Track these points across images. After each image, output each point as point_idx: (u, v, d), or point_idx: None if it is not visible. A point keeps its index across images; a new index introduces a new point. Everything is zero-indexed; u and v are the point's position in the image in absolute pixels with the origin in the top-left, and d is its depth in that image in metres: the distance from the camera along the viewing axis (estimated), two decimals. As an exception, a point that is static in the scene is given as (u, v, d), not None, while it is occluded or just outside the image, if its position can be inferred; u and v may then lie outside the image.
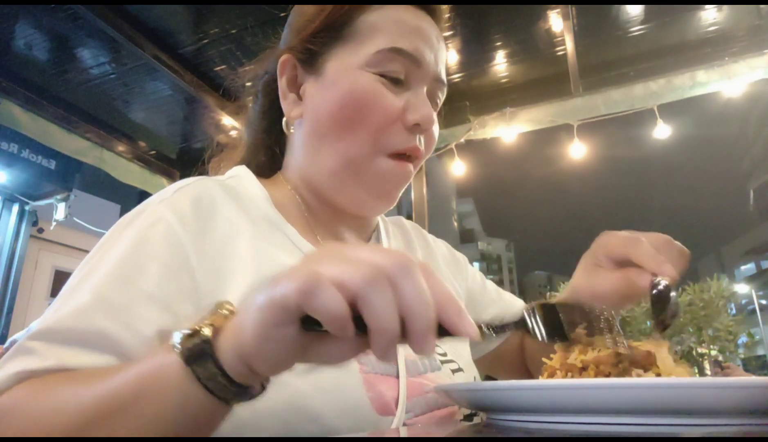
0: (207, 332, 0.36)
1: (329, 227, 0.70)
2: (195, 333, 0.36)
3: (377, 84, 0.62)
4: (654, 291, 0.52)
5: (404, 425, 0.57)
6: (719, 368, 2.19)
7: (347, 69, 0.63)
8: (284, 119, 0.68)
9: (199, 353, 0.36)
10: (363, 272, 0.32)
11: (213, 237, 0.56)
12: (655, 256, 0.56)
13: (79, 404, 0.38)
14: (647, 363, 0.45)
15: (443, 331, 0.34)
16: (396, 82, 0.63)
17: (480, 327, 0.38)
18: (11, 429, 0.39)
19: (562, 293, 0.72)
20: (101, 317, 0.46)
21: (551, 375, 0.47)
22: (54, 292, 4.78)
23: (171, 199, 0.56)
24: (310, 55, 0.66)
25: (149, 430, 0.36)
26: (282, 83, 0.68)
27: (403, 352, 0.61)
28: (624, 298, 0.60)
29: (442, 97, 0.70)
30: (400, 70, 0.63)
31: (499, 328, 0.41)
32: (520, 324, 0.43)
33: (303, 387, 0.49)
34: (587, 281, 0.63)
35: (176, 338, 0.37)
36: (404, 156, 0.65)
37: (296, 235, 0.63)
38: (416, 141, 0.64)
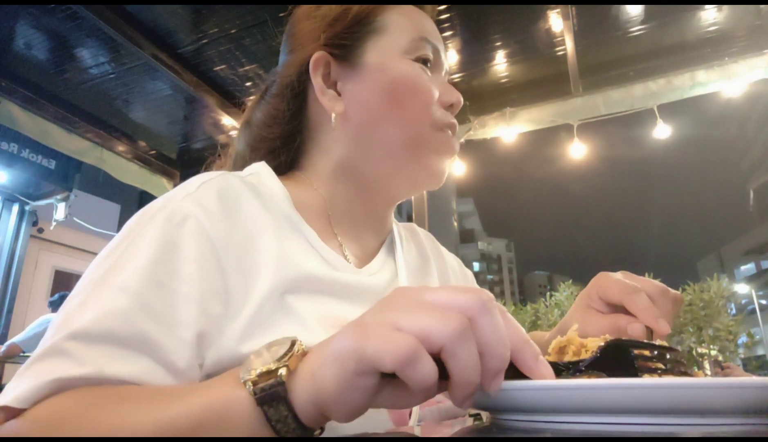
0: (282, 372, 0.36)
1: (351, 226, 0.71)
2: (270, 373, 0.36)
3: (418, 69, 0.67)
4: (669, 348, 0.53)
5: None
6: (719, 368, 2.19)
7: (389, 58, 0.67)
8: (332, 116, 0.68)
9: (272, 395, 0.35)
10: (451, 325, 0.32)
11: (239, 233, 0.55)
12: (651, 309, 0.56)
13: (137, 430, 0.37)
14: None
15: (515, 373, 0.35)
16: (428, 67, 0.69)
17: (555, 367, 0.38)
18: None
19: (555, 328, 0.72)
20: (142, 321, 0.44)
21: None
22: (54, 292, 4.78)
23: (196, 194, 0.55)
24: (345, 50, 0.68)
25: None
26: (318, 81, 0.68)
27: None
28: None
29: None
30: (431, 55, 0.69)
31: (574, 369, 0.41)
32: (595, 365, 0.42)
33: None
34: (579, 321, 0.64)
35: (247, 374, 0.36)
36: (448, 129, 0.70)
37: (315, 237, 0.63)
38: (453, 118, 0.70)
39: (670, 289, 0.60)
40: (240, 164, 0.74)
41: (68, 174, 4.39)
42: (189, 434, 0.36)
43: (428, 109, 0.66)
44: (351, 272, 0.65)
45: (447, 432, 0.47)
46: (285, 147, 0.74)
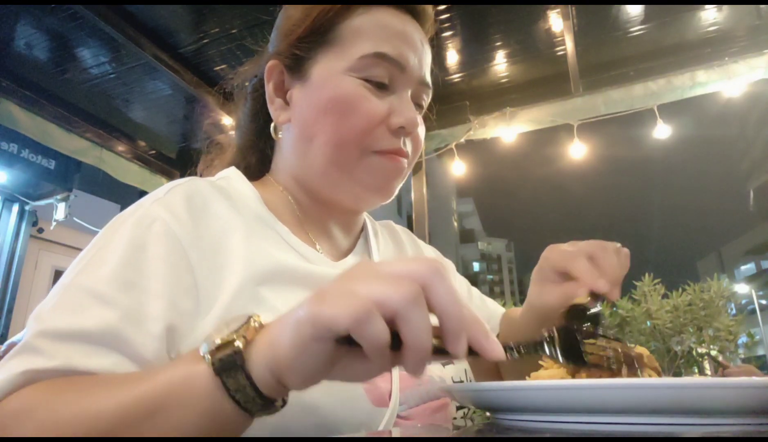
0: (239, 343, 0.37)
1: (320, 225, 0.71)
2: (227, 344, 0.37)
3: (361, 88, 0.63)
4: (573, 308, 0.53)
5: (398, 416, 0.57)
6: (721, 368, 2.19)
7: (332, 74, 0.64)
8: (272, 124, 0.69)
9: (230, 364, 0.36)
10: (404, 291, 0.33)
11: (208, 234, 0.56)
12: (589, 271, 0.58)
13: (102, 410, 0.38)
14: (638, 364, 0.46)
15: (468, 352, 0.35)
16: (380, 87, 0.64)
17: (505, 349, 0.39)
18: (28, 433, 0.38)
19: (524, 305, 0.73)
20: (110, 318, 0.45)
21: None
22: (54, 292, 4.77)
23: (164, 199, 0.57)
24: (297, 61, 0.67)
25: (173, 436, 0.37)
26: (269, 89, 0.69)
27: None
28: (616, 337, 0.63)
29: (427, 99, 0.71)
30: (384, 74, 0.64)
31: (522, 349, 0.42)
32: (541, 347, 0.44)
33: None
34: (537, 294, 0.66)
35: (205, 347, 0.37)
36: (392, 154, 0.66)
37: (288, 233, 0.64)
38: (401, 143, 0.65)
39: (609, 243, 0.62)
40: (233, 162, 0.76)
41: (68, 174, 4.39)
42: (153, 410, 0.37)
43: (363, 133, 0.62)
44: (326, 264, 0.66)
45: (442, 432, 0.47)
46: (252, 147, 0.75)
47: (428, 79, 0.69)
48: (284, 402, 0.39)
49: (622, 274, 0.60)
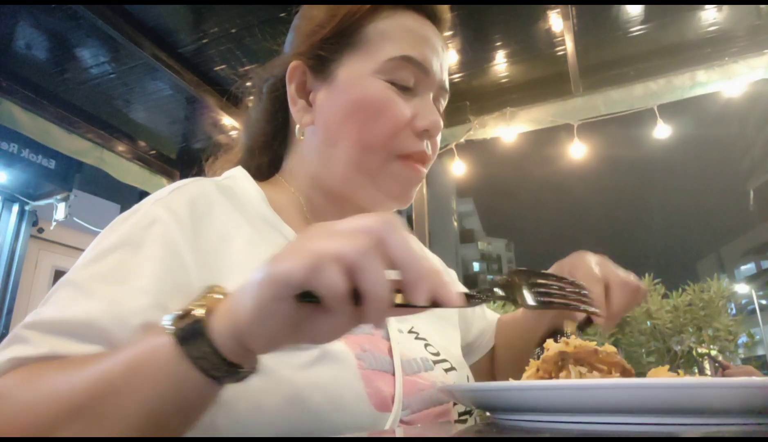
0: (199, 312, 0.37)
1: None
2: (187, 313, 0.38)
3: (388, 91, 0.63)
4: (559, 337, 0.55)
5: (401, 421, 0.57)
6: (721, 368, 2.19)
7: (359, 76, 0.64)
8: (296, 126, 0.68)
9: (191, 333, 0.37)
10: (357, 243, 0.33)
11: (208, 237, 0.56)
12: (599, 299, 0.61)
13: (71, 386, 0.39)
14: (594, 361, 0.46)
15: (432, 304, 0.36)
16: (405, 90, 0.64)
17: (466, 295, 0.39)
18: (5, 413, 0.39)
19: None
20: (92, 309, 0.46)
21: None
22: (54, 292, 4.77)
23: (166, 200, 0.57)
24: (321, 62, 0.66)
25: (141, 411, 0.37)
26: (291, 90, 0.68)
27: (399, 349, 0.62)
28: (564, 319, 0.67)
29: (444, 103, 0.72)
30: (409, 77, 0.64)
31: (481, 294, 0.42)
32: (501, 290, 0.44)
33: (302, 383, 0.50)
34: None
35: (167, 319, 0.38)
36: (413, 158, 0.66)
37: (293, 234, 0.64)
38: (424, 146, 0.66)
39: (633, 281, 0.64)
40: (241, 161, 0.76)
41: (68, 174, 4.39)
42: (121, 384, 0.38)
43: (389, 136, 0.63)
44: None
45: (443, 432, 0.47)
46: (266, 148, 0.75)
47: (447, 84, 0.70)
48: (253, 368, 0.39)
49: (627, 311, 0.63)
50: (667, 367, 0.47)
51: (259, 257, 0.57)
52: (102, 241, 0.54)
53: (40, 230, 4.69)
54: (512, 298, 0.44)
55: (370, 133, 0.63)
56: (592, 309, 0.51)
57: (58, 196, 4.39)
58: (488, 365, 0.91)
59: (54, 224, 4.41)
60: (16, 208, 4.48)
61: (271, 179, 0.73)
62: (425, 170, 0.68)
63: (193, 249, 0.54)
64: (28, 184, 4.30)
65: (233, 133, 3.58)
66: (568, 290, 0.48)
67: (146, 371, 0.37)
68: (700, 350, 2.30)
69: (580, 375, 0.46)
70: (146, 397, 0.37)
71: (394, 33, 0.64)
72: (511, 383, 0.40)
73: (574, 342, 0.47)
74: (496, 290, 0.44)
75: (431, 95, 0.67)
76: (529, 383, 0.41)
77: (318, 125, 0.66)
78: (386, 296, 0.34)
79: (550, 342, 0.49)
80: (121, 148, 3.67)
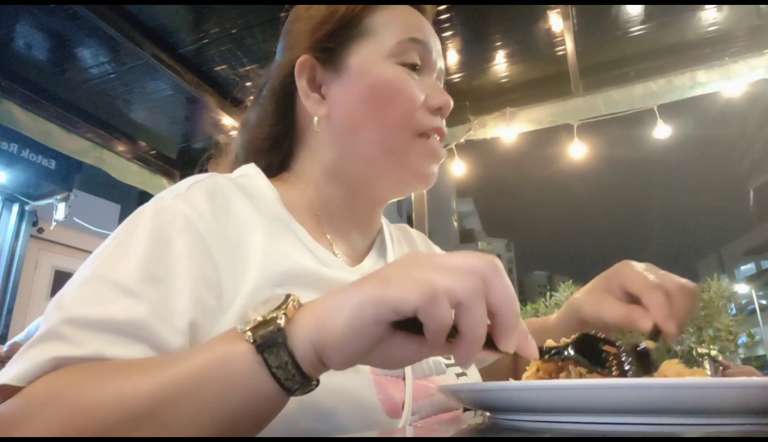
0: (281, 321, 0.37)
1: (340, 225, 0.71)
2: (268, 321, 0.37)
3: (402, 72, 0.65)
4: (638, 348, 0.55)
5: (409, 426, 0.57)
6: (721, 368, 2.20)
7: (372, 61, 0.66)
8: (315, 119, 0.68)
9: (272, 341, 0.36)
10: (469, 283, 0.34)
11: (229, 232, 0.56)
12: (664, 307, 0.59)
13: (137, 391, 0.36)
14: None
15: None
16: (413, 71, 0.67)
17: (540, 351, 0.42)
18: (57, 418, 0.36)
19: (563, 307, 0.74)
20: (138, 309, 0.44)
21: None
22: (54, 292, 4.78)
23: (186, 195, 0.56)
24: (330, 53, 0.67)
25: (212, 416, 0.36)
26: (302, 84, 0.68)
27: None
28: (620, 331, 0.64)
29: (442, 86, 0.74)
30: (417, 58, 0.67)
31: (553, 353, 0.45)
32: (570, 353, 0.47)
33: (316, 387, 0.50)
34: (593, 303, 0.67)
35: (245, 325, 0.37)
36: (434, 133, 0.68)
37: (305, 235, 0.64)
38: (441, 122, 0.69)
39: (690, 285, 0.62)
40: (235, 164, 0.75)
41: (68, 174, 4.39)
42: (190, 390, 0.36)
43: (409, 115, 0.65)
44: (343, 269, 0.66)
45: (443, 432, 0.47)
46: (275, 148, 0.74)
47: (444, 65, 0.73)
48: (318, 382, 0.39)
49: (690, 316, 0.61)
50: (677, 360, 0.48)
51: (275, 255, 0.56)
52: (126, 234, 0.51)
53: (40, 230, 4.69)
54: (580, 359, 0.46)
55: (393, 114, 0.64)
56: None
57: (58, 196, 4.39)
58: (511, 367, 0.89)
59: (54, 223, 4.41)
60: (16, 208, 4.48)
61: (279, 177, 0.73)
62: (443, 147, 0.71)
63: (217, 245, 0.53)
64: (28, 184, 4.30)
65: (233, 133, 3.57)
66: (627, 357, 0.48)
67: (219, 378, 0.36)
68: (700, 350, 2.29)
69: (580, 375, 0.46)
70: (218, 403, 0.36)
71: (398, 18, 0.68)
72: (511, 383, 0.40)
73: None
74: (568, 351, 0.46)
75: (434, 76, 0.70)
76: (529, 383, 0.41)
77: (334, 116, 0.67)
78: (483, 339, 0.34)
79: (550, 342, 0.49)
80: (121, 148, 3.67)
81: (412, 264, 0.36)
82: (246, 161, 0.74)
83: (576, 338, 0.47)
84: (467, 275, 0.34)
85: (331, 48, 0.67)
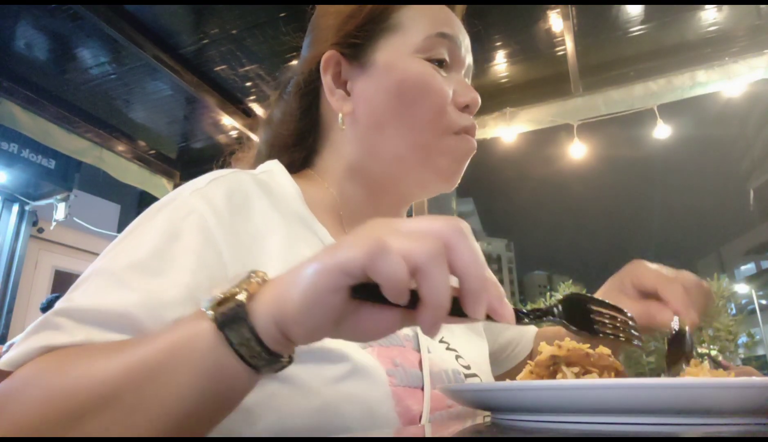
0: (241, 296, 0.36)
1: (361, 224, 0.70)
2: (228, 298, 0.36)
3: (430, 69, 0.64)
4: (673, 332, 0.54)
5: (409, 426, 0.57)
6: (722, 368, 2.20)
7: (399, 57, 0.64)
8: (339, 116, 0.67)
9: (232, 318, 0.35)
10: (427, 245, 0.32)
11: (245, 232, 0.55)
12: (684, 298, 0.58)
13: (107, 371, 0.37)
14: (586, 363, 0.46)
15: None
16: (441, 67, 0.65)
17: (517, 313, 0.38)
18: (34, 399, 0.37)
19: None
20: (127, 299, 0.45)
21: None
22: (54, 292, 4.78)
23: (204, 190, 0.55)
24: (356, 49, 0.66)
25: (178, 397, 0.36)
26: (327, 80, 0.67)
27: (429, 361, 0.60)
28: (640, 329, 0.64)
29: (469, 82, 0.73)
30: (445, 54, 0.66)
31: (532, 316, 0.41)
32: (552, 314, 0.43)
33: (331, 397, 0.49)
34: None
35: (207, 303, 0.36)
36: (465, 131, 0.67)
37: (326, 235, 0.63)
38: (471, 120, 0.68)
39: (705, 284, 0.62)
40: (257, 161, 0.74)
41: (68, 174, 4.38)
42: (157, 370, 0.36)
43: (439, 112, 0.64)
44: None
45: (443, 432, 0.47)
46: (298, 145, 0.73)
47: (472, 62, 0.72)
48: (290, 359, 0.38)
49: (704, 315, 0.61)
50: (705, 363, 0.47)
51: (293, 257, 0.56)
52: (137, 229, 0.52)
53: (40, 230, 4.69)
54: (564, 322, 0.42)
55: (421, 112, 0.63)
56: (637, 342, 0.50)
57: (58, 196, 4.39)
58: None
59: (54, 223, 4.41)
60: (16, 208, 4.48)
61: (302, 173, 0.72)
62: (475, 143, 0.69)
63: (229, 243, 0.53)
64: (28, 184, 4.30)
65: (233, 133, 3.58)
66: (619, 319, 0.46)
67: (184, 357, 0.36)
68: (700, 350, 2.29)
69: (575, 376, 0.46)
70: (183, 384, 0.36)
71: (426, 13, 0.66)
72: (511, 383, 0.40)
73: (567, 345, 0.46)
74: (551, 312, 0.43)
75: (462, 73, 0.69)
76: (529, 383, 0.41)
77: (359, 112, 0.66)
78: (447, 304, 0.32)
79: (543, 345, 0.48)
80: (121, 148, 3.68)
81: (368, 229, 0.35)
82: (269, 157, 0.73)
83: (563, 298, 0.44)
84: (426, 238, 0.32)
85: (357, 43, 0.66)
